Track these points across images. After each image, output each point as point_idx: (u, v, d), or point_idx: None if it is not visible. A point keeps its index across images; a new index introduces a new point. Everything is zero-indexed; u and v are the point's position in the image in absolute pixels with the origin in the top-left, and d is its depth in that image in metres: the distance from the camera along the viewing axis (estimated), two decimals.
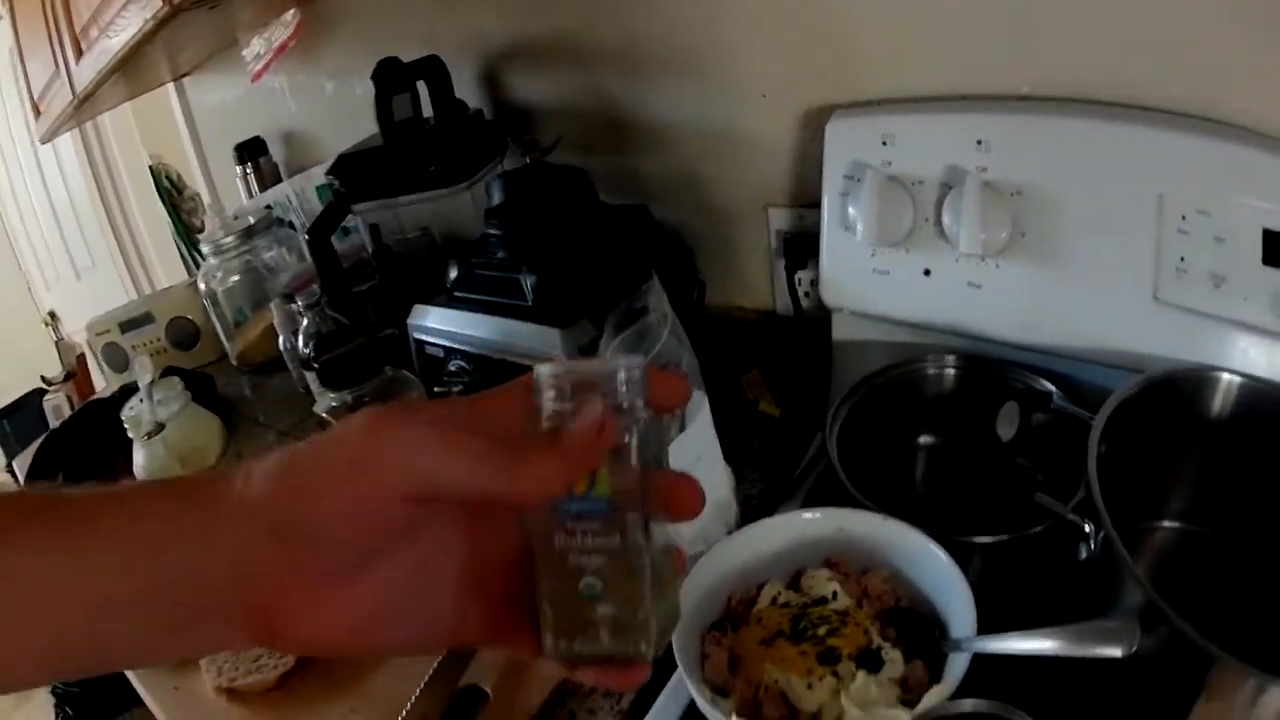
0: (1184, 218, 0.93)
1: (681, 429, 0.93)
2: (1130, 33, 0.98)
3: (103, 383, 2.41)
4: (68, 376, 3.18)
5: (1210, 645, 0.67)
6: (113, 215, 3.60)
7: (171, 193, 2.84)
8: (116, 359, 2.16)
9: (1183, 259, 0.94)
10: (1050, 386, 1.06)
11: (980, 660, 0.79)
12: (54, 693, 2.35)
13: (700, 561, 0.93)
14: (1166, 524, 0.98)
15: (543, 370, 0.50)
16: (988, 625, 0.80)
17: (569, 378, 0.50)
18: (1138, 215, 0.96)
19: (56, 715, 2.37)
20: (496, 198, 1.30)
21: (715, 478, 0.99)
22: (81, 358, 3.03)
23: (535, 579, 0.52)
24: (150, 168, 2.88)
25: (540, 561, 0.52)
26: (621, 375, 0.49)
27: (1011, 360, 1.11)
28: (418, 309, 1.33)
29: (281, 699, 1.07)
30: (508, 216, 1.24)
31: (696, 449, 0.95)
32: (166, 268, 3.31)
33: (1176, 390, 0.90)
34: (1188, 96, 0.96)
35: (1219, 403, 0.90)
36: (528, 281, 1.17)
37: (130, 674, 1.20)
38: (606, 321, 0.93)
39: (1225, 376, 0.89)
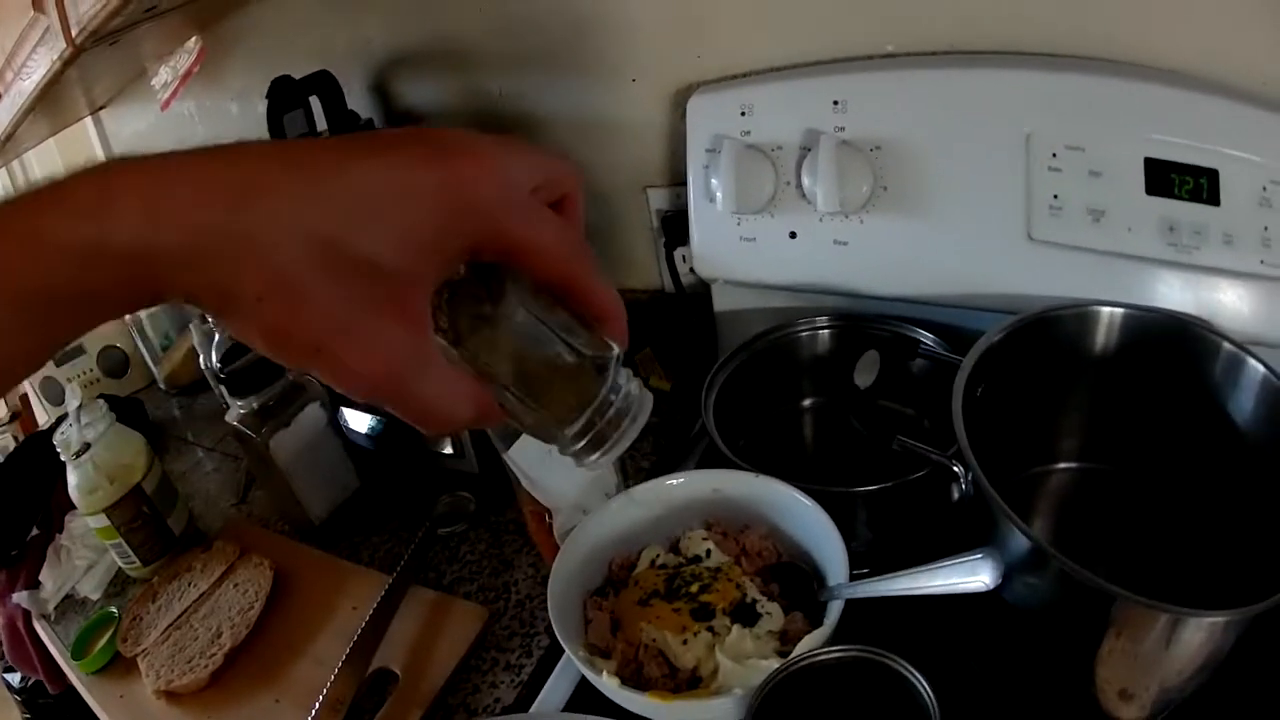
0: (1055, 155, 0.94)
1: None
2: None
3: (45, 418, 2.41)
4: (13, 417, 3.16)
5: (1100, 581, 0.66)
6: None
7: None
8: (54, 392, 2.17)
9: (1056, 196, 0.95)
10: (923, 335, 1.08)
11: (874, 613, 0.80)
12: None
13: (577, 530, 0.95)
14: (1063, 465, 0.99)
15: None
16: (880, 573, 0.81)
17: None
18: (1005, 157, 0.97)
19: None
20: None
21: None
22: (24, 397, 3.01)
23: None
24: None
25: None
26: None
27: (888, 314, 1.12)
28: None
29: (214, 696, 1.12)
30: None
31: None
32: None
33: (1054, 328, 0.91)
34: (1055, 35, 0.98)
35: (1102, 337, 0.90)
36: None
37: (80, 685, 1.24)
38: None
39: (1106, 310, 0.89)
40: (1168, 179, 0.89)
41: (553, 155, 0.55)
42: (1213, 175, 0.87)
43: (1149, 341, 0.88)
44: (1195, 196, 0.89)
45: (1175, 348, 0.87)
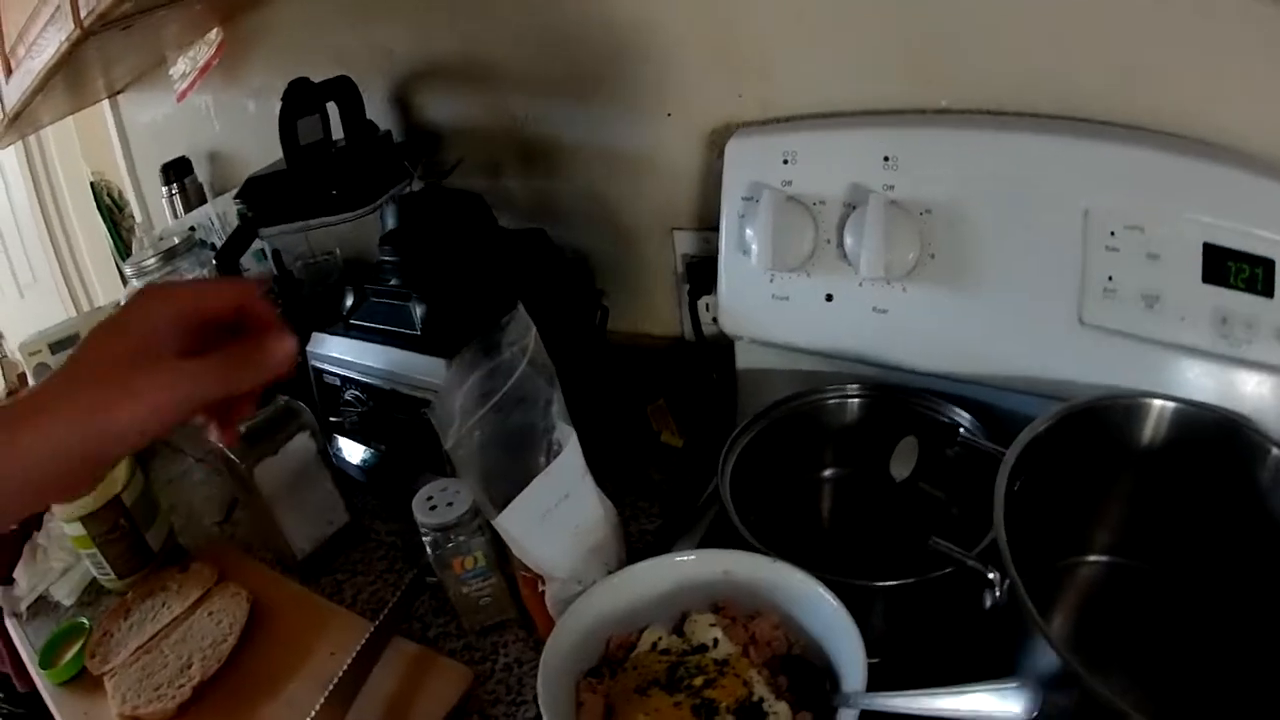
0: (1113, 234, 0.89)
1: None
2: (1056, 39, 0.95)
3: None
4: (10, 394, 3.13)
5: (1128, 710, 0.62)
6: (54, 231, 3.54)
7: (112, 209, 2.80)
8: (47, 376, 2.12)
9: (1111, 278, 0.90)
10: (962, 417, 1.03)
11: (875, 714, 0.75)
12: None
13: (575, 604, 0.90)
14: (1093, 559, 0.94)
15: None
16: (893, 672, 0.77)
17: None
18: (1061, 232, 0.92)
19: None
20: (390, 223, 1.27)
21: (586, 516, 0.95)
22: (23, 375, 2.98)
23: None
24: (91, 184, 2.83)
25: (455, 600, 1.08)
26: None
27: (924, 389, 1.07)
28: (316, 337, 1.30)
29: None
30: (401, 242, 1.21)
31: (564, 487, 0.91)
32: (105, 286, 3.27)
33: (1100, 420, 0.87)
34: (1120, 105, 0.93)
35: (1150, 430, 0.86)
36: (417, 311, 1.14)
37: (45, 694, 1.21)
38: (456, 359, 0.90)
39: (1156, 403, 0.85)
40: (1224, 267, 0.84)
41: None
42: (1269, 265, 0.82)
43: (1197, 438, 0.84)
44: (1250, 287, 0.84)
45: (1224, 447, 0.83)
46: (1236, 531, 0.83)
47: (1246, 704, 0.77)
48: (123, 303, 0.71)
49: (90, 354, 0.69)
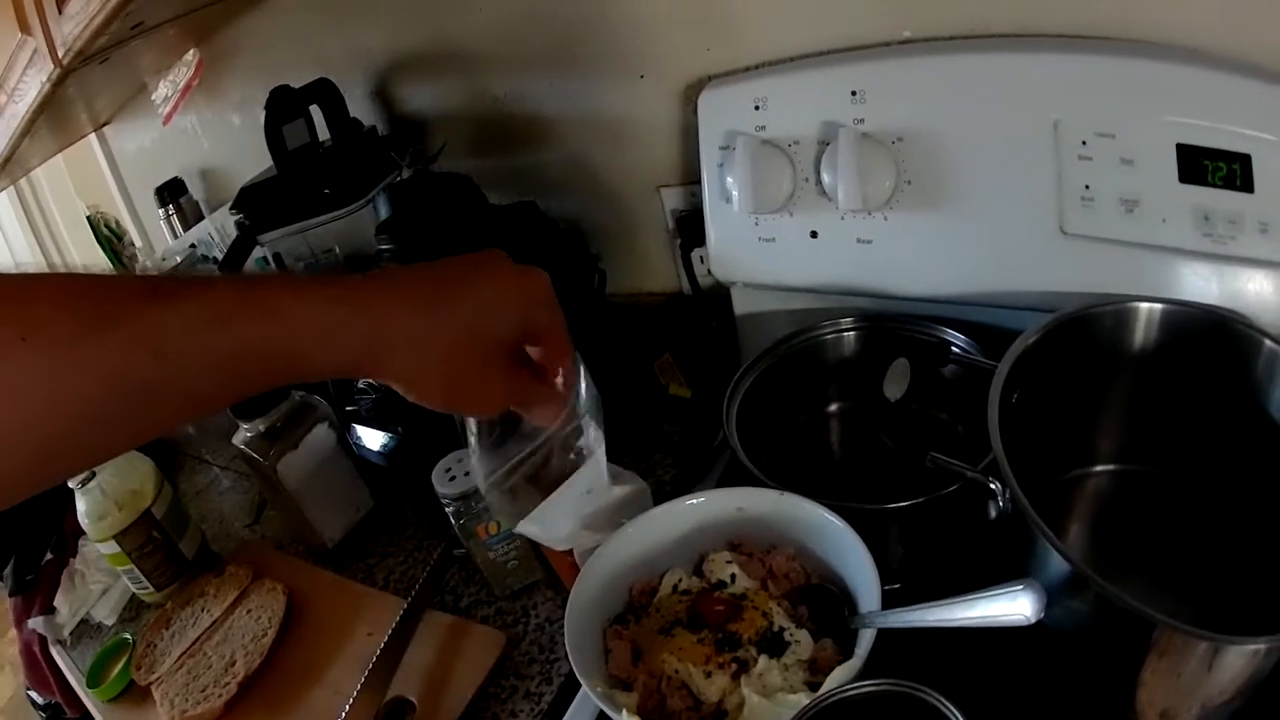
0: (1084, 143, 0.89)
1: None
2: None
3: None
4: None
5: (1143, 609, 0.63)
6: (55, 269, 3.56)
7: (112, 240, 2.81)
8: None
9: (1088, 187, 0.90)
10: (955, 337, 1.03)
11: (906, 637, 0.76)
12: None
13: (596, 554, 0.91)
14: (1101, 468, 0.95)
15: None
16: (914, 596, 0.77)
17: None
18: (1033, 147, 0.92)
19: None
20: (384, 212, 1.29)
21: (610, 500, 0.95)
22: None
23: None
24: (88, 218, 2.85)
25: (483, 567, 1.12)
26: None
27: (916, 314, 1.08)
28: None
29: None
30: (396, 229, 1.23)
31: (587, 483, 0.91)
32: None
33: (1091, 327, 0.86)
34: (1078, 17, 0.93)
35: (1140, 334, 0.86)
36: None
37: (96, 712, 1.24)
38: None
39: (1144, 306, 0.85)
40: (1200, 165, 0.84)
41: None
42: (1245, 160, 0.82)
43: (1188, 338, 0.84)
44: (1229, 183, 0.83)
45: (1214, 344, 0.83)
46: (1236, 427, 0.83)
47: (1262, 599, 0.77)
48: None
49: (462, 319, 0.69)
